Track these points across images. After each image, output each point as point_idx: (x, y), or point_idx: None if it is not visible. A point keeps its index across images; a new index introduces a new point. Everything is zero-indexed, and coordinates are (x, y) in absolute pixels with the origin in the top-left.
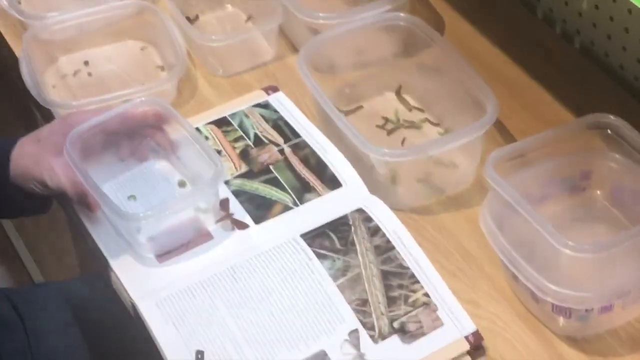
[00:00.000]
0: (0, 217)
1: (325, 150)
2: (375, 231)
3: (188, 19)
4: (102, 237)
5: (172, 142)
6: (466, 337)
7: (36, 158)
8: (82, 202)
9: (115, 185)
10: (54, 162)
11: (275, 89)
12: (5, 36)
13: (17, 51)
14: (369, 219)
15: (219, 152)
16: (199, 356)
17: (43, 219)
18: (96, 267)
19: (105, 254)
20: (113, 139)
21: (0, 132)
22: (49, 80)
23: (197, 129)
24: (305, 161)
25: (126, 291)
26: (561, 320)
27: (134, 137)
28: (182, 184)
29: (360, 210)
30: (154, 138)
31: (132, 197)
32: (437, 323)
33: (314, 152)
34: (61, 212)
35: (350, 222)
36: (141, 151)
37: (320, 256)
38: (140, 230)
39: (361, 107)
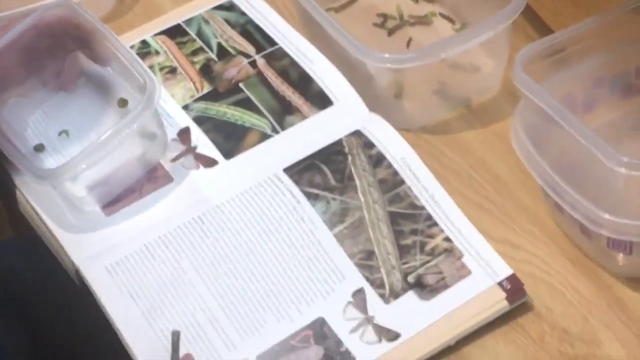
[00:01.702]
0: None
1: (309, 59)
2: (378, 160)
3: None
4: (30, 186)
5: (103, 54)
6: (500, 284)
7: None
8: None
9: (41, 120)
10: None
11: None
12: None
13: None
14: (369, 145)
15: (173, 69)
16: (175, 338)
17: None
18: (32, 229)
19: (37, 207)
20: (33, 61)
21: None
22: None
23: (145, 42)
24: (284, 74)
25: (67, 255)
26: (620, 257)
27: (58, 54)
28: (123, 104)
29: (358, 134)
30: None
31: (64, 132)
32: (463, 272)
33: (294, 63)
34: None
35: (347, 150)
36: (69, 71)
37: (310, 197)
38: (77, 179)
39: (353, 1)
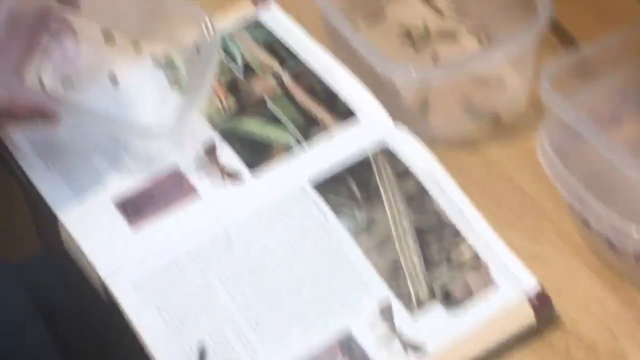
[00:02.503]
0: None
1: (334, 75)
2: (404, 174)
3: None
4: (56, 198)
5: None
6: (529, 299)
7: None
8: (37, 116)
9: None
10: None
11: (267, 1)
12: None
13: None
14: (396, 158)
15: None
16: (201, 351)
17: None
18: (60, 244)
19: (62, 219)
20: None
21: None
22: None
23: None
24: (310, 90)
25: (94, 269)
26: None
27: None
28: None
29: (384, 147)
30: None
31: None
32: (490, 285)
33: (320, 79)
34: None
35: (373, 163)
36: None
37: (336, 210)
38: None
39: (379, 16)
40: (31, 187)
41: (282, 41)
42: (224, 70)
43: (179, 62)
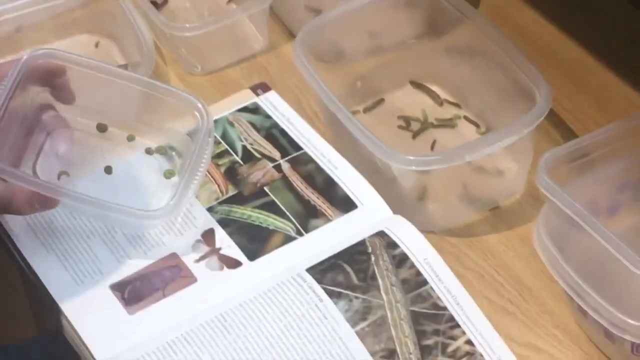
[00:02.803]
0: None
1: (333, 164)
2: (401, 261)
3: (154, 3)
4: (55, 283)
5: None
6: None
7: None
8: (39, 206)
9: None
10: None
11: (266, 88)
12: None
13: None
14: (393, 245)
15: None
16: None
17: None
18: (54, 325)
19: (59, 302)
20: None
21: None
22: None
23: None
24: (309, 179)
25: (90, 353)
26: None
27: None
28: (102, 129)
29: (381, 234)
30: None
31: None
32: None
33: (319, 168)
34: None
35: (370, 250)
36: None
37: (333, 295)
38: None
39: (378, 103)
40: (30, 271)
41: (281, 127)
42: (222, 155)
43: (172, 151)
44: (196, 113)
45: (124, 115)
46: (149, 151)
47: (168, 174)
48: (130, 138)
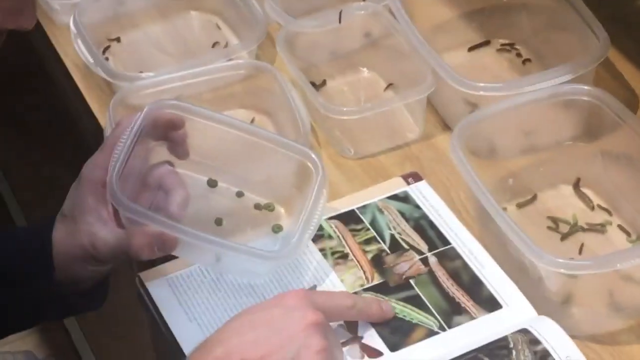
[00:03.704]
0: (45, 318)
1: (480, 262)
2: (543, 357)
3: (313, 84)
4: (184, 335)
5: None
6: None
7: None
8: (158, 249)
9: None
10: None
11: (417, 177)
12: (88, 100)
13: (102, 118)
14: (535, 341)
15: (345, 255)
16: None
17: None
18: None
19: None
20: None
21: None
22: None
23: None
24: (455, 275)
25: None
26: None
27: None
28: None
29: (524, 331)
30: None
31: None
32: None
33: (466, 265)
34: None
35: (512, 345)
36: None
37: None
38: None
39: (531, 201)
40: (171, 338)
41: (430, 219)
42: (370, 242)
43: (280, 206)
44: (309, 164)
45: (234, 170)
46: (257, 207)
47: (277, 229)
48: (239, 194)
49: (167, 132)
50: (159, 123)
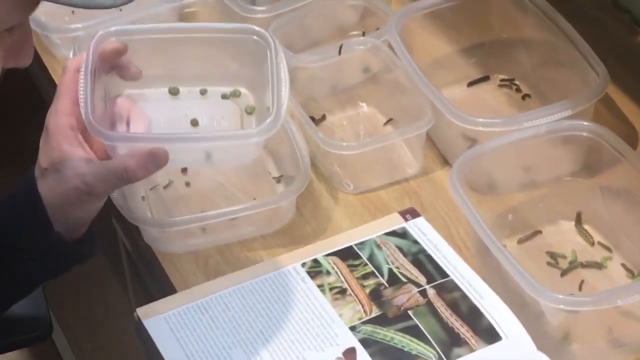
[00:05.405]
0: (50, 277)
1: (479, 294)
2: None
3: (312, 119)
4: None
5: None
6: None
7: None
8: (152, 165)
9: None
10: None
11: (415, 214)
12: None
13: None
14: None
15: (343, 290)
16: None
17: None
18: None
19: None
20: None
21: None
22: (137, 190)
23: (316, 261)
24: (454, 306)
25: None
26: None
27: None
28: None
29: None
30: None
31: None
32: None
33: (465, 296)
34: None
35: None
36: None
37: None
38: None
39: (533, 235)
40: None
41: (428, 253)
42: (368, 277)
43: (246, 90)
44: (258, 39)
45: (191, 71)
46: (224, 97)
47: (250, 110)
48: (203, 92)
49: (114, 60)
50: (106, 55)
